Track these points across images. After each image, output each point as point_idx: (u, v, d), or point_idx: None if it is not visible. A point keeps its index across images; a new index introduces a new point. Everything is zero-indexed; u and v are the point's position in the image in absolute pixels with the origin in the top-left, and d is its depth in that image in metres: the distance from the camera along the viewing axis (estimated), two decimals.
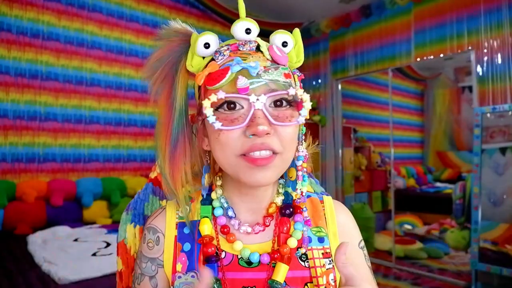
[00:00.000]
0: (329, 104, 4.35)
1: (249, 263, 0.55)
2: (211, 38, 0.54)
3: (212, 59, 0.54)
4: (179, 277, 0.55)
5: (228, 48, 0.53)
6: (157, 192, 0.73)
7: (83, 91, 3.17)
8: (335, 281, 0.56)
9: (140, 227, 0.70)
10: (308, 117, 0.51)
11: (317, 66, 4.44)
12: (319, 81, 4.45)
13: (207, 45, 0.53)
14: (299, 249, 0.56)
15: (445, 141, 4.51)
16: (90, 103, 3.22)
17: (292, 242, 0.55)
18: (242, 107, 0.49)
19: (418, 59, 3.52)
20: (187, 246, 0.57)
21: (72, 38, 3.12)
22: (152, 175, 0.74)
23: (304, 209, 0.59)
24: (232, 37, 0.55)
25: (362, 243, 0.63)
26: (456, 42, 3.23)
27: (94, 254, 1.96)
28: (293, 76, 0.55)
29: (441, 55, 3.36)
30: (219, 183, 0.60)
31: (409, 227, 4.18)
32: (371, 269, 0.62)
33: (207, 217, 0.57)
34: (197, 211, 0.60)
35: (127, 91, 3.45)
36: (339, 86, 4.33)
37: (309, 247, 0.57)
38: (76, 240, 2.26)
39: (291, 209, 0.58)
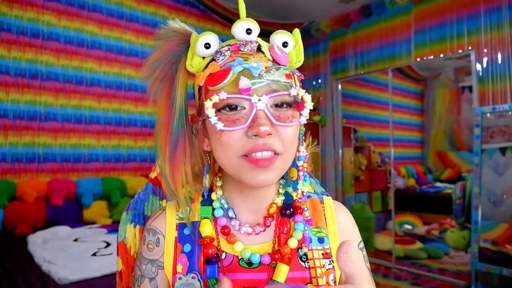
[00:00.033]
0: (329, 104, 4.35)
1: (249, 263, 0.55)
2: (212, 38, 0.53)
3: (213, 60, 0.53)
4: (180, 278, 0.55)
5: (229, 49, 0.53)
6: (157, 192, 0.73)
7: (83, 91, 3.18)
8: (335, 282, 0.56)
9: (140, 227, 0.69)
10: (308, 117, 0.51)
11: (317, 66, 4.44)
12: (319, 81, 4.45)
13: (207, 45, 0.53)
14: (300, 249, 0.56)
15: (445, 141, 4.51)
16: (90, 103, 3.22)
17: (293, 243, 0.55)
18: (244, 108, 0.49)
19: (418, 59, 3.52)
20: (187, 247, 0.57)
21: (72, 38, 3.12)
22: (152, 175, 0.74)
23: (305, 208, 0.59)
24: (233, 37, 0.55)
25: (362, 244, 0.63)
26: (456, 42, 3.23)
27: (94, 254, 1.96)
28: (293, 77, 0.55)
29: (441, 55, 3.36)
30: (219, 183, 0.60)
31: (409, 227, 4.18)
32: (370, 270, 0.62)
33: (207, 218, 0.57)
34: (197, 212, 0.59)
35: (127, 91, 3.45)
36: (339, 86, 4.33)
37: (309, 248, 0.57)
38: (76, 240, 2.26)
39: (292, 210, 0.58)
